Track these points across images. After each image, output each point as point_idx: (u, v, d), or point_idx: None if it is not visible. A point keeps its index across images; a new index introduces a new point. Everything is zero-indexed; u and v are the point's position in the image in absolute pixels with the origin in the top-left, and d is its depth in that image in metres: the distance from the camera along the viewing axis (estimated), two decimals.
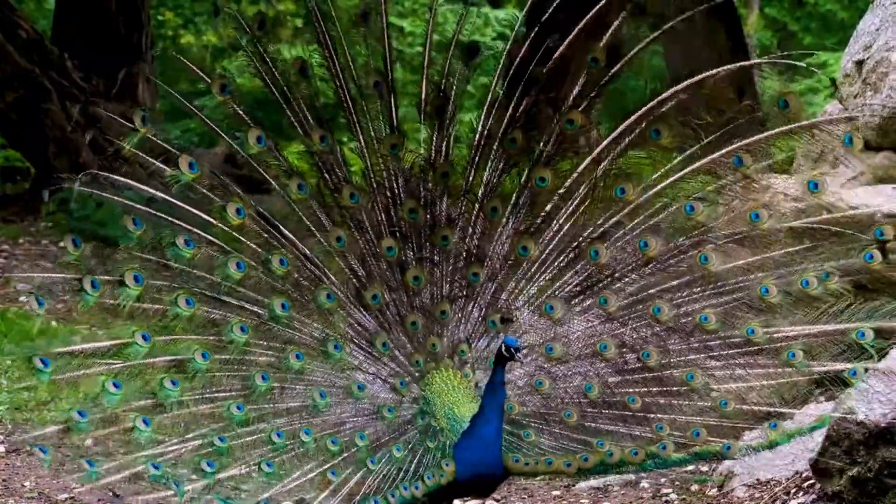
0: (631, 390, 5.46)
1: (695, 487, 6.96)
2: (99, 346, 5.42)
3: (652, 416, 5.45)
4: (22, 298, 11.31)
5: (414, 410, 5.50)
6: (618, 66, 5.48)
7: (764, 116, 5.48)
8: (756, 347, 5.45)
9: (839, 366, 5.40)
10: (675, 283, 5.49)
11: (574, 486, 7.17)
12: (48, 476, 7.33)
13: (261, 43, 5.49)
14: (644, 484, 7.13)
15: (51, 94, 14.31)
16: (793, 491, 6.38)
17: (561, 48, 5.49)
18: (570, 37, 5.47)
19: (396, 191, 5.53)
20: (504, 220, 5.54)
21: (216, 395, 5.41)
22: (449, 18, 12.99)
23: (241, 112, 5.46)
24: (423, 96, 5.57)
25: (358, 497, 5.33)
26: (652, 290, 5.49)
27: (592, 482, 7.16)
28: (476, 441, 5.32)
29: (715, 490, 6.80)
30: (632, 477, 7.15)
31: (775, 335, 5.45)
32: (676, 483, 7.06)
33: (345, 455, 5.40)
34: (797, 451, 6.39)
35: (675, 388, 5.46)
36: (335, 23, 5.52)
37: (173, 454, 5.32)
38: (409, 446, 5.44)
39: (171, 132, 5.63)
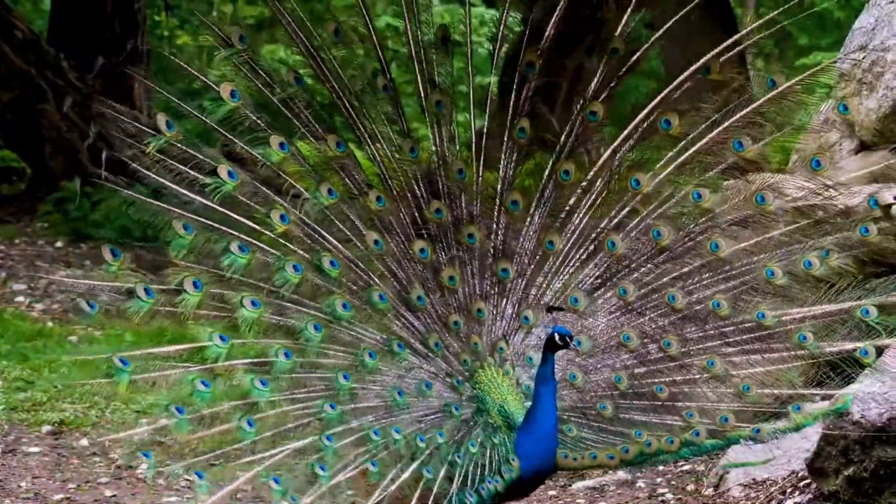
0: (657, 380, 5.53)
1: (691, 487, 6.96)
2: (176, 349, 5.44)
3: (680, 404, 5.51)
4: (19, 299, 11.31)
5: (472, 409, 5.53)
6: (636, 56, 5.55)
7: (752, 96, 5.56)
8: (768, 332, 5.51)
9: (849, 345, 5.44)
10: (685, 269, 5.56)
11: (570, 485, 7.18)
12: (44, 477, 7.33)
13: (247, 53, 5.45)
14: (640, 484, 7.13)
15: (47, 95, 14.29)
16: (789, 490, 6.39)
17: (549, 28, 5.52)
18: (557, 13, 5.50)
19: (420, 192, 5.56)
20: (529, 214, 5.59)
21: (305, 394, 5.40)
22: (446, 18, 13.03)
23: (255, 118, 5.43)
24: (423, 93, 5.57)
25: (453, 491, 5.33)
26: (665, 279, 5.56)
27: (589, 482, 7.17)
28: (535, 434, 5.35)
29: (711, 490, 6.80)
30: (628, 477, 7.17)
31: (784, 318, 5.51)
32: (672, 483, 7.06)
33: (430, 451, 5.41)
34: (793, 450, 6.41)
35: (697, 376, 5.53)
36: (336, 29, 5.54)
37: (278, 459, 5.27)
38: (480, 441, 5.46)
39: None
